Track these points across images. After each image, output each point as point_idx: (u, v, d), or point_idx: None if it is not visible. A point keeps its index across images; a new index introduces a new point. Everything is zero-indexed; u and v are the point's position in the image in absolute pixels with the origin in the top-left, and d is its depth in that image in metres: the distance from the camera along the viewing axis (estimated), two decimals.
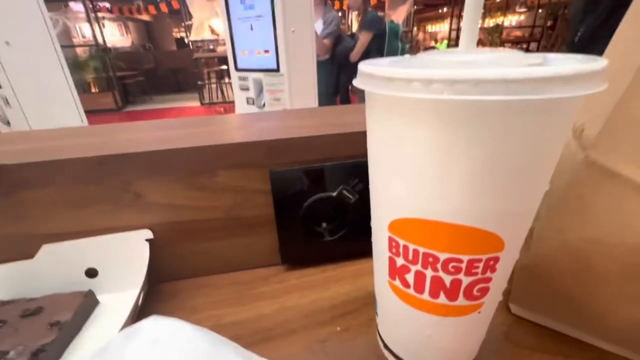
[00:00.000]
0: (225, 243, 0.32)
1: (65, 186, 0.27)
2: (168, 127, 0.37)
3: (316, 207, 0.31)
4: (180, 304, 0.29)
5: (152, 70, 6.17)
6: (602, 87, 0.11)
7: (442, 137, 0.13)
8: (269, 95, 1.63)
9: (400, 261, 0.17)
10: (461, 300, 0.16)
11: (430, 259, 0.15)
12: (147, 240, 0.29)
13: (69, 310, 0.25)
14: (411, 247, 0.16)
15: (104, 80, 5.23)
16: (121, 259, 0.28)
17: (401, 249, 0.16)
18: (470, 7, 0.13)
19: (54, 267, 0.28)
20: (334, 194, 0.31)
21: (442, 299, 0.17)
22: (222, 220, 0.31)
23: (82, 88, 4.86)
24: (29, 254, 0.27)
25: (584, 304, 0.21)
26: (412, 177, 0.14)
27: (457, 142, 0.13)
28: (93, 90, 5.27)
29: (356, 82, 0.14)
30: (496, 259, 0.15)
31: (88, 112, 1.89)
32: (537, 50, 6.44)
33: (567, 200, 0.20)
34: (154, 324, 0.14)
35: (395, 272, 0.18)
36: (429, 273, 0.16)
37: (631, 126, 0.16)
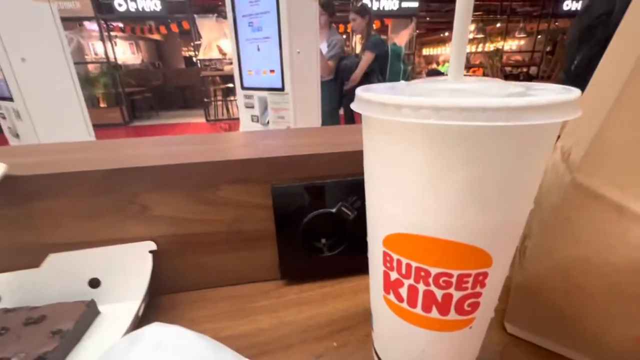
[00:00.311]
0: (227, 257, 0.33)
1: (74, 197, 0.29)
2: (174, 143, 0.39)
3: (316, 222, 0.32)
4: (180, 316, 0.30)
5: (160, 86, 6.33)
6: (575, 115, 0.12)
7: (431, 158, 0.14)
8: (273, 113, 1.67)
9: (394, 275, 0.18)
10: (453, 315, 0.17)
11: (422, 273, 0.16)
12: (150, 251, 0.30)
13: (70, 319, 0.26)
14: (404, 261, 0.17)
15: (112, 95, 5.37)
16: (124, 270, 0.29)
17: (395, 263, 0.17)
18: (457, 41, 0.15)
19: (59, 276, 0.28)
20: (333, 210, 0.31)
21: (435, 313, 0.17)
22: (224, 234, 0.32)
23: (91, 103, 4.98)
24: (36, 263, 0.28)
25: (577, 324, 0.21)
26: (404, 194, 0.15)
27: (446, 162, 0.14)
28: (102, 105, 5.40)
29: (354, 106, 0.16)
30: (485, 275, 0.16)
31: (95, 126, 1.93)
32: (537, 74, 6.57)
33: (556, 220, 0.20)
34: (157, 329, 0.15)
35: (390, 286, 0.18)
36: (421, 287, 0.17)
37: (611, 150, 0.17)
